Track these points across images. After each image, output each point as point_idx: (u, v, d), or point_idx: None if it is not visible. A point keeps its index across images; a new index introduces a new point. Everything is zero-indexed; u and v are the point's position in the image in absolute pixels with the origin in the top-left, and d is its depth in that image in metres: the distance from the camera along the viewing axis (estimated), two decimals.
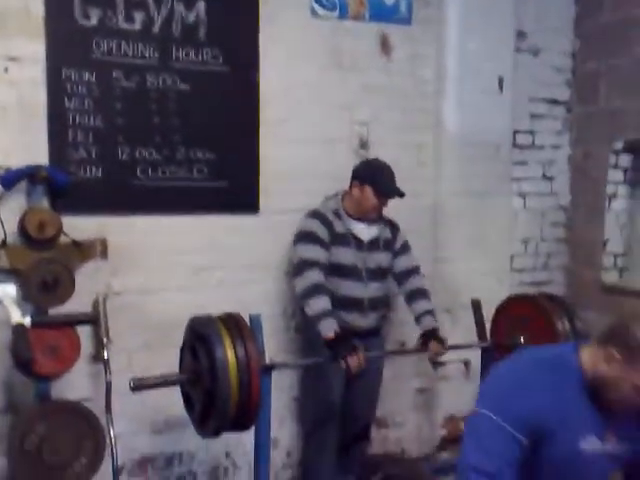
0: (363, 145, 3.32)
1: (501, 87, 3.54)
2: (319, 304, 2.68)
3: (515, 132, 3.68)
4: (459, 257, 3.54)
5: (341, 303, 2.81)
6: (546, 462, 1.78)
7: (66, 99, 2.65)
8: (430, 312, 2.94)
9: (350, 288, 2.88)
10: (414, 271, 3.02)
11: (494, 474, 1.72)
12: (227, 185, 2.95)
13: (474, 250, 3.55)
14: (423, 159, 3.48)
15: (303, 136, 3.14)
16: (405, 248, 3.03)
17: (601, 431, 1.79)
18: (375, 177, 2.84)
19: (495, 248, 3.62)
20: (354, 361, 2.59)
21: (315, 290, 2.71)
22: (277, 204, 3.09)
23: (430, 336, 2.86)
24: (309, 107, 3.15)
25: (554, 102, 3.82)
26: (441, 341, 2.87)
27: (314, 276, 2.73)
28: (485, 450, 1.74)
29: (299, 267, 2.77)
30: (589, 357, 1.76)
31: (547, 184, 3.86)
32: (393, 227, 3.03)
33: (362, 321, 2.91)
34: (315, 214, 2.88)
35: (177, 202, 2.88)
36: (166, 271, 2.90)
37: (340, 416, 3.04)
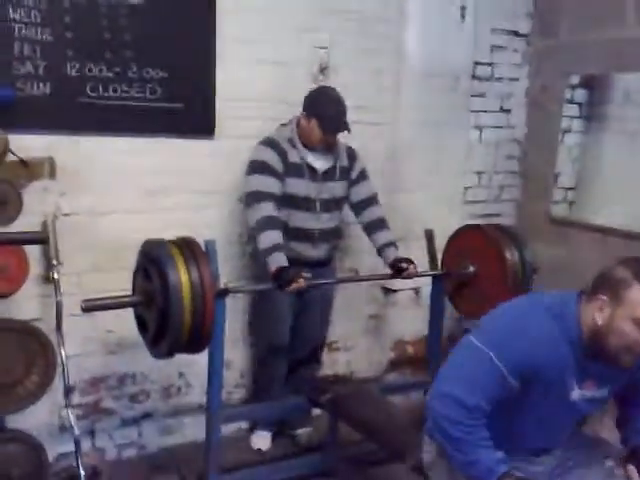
0: (322, 70, 3.26)
1: (463, 16, 3.50)
2: (270, 238, 2.67)
3: (475, 63, 3.67)
4: (415, 187, 3.57)
5: (292, 234, 2.82)
6: (530, 406, 1.80)
7: (11, 10, 2.51)
8: (393, 243, 2.97)
9: (302, 219, 2.88)
10: (372, 200, 3.02)
11: (471, 408, 1.72)
12: (181, 107, 2.87)
13: (429, 180, 3.59)
14: (383, 86, 3.45)
15: (261, 58, 3.06)
16: (362, 176, 3.02)
17: (582, 380, 1.81)
18: (321, 110, 2.79)
19: (449, 179, 3.67)
20: (297, 284, 2.60)
21: (267, 224, 2.69)
22: (233, 129, 3.03)
23: (398, 263, 2.90)
24: (268, 29, 3.06)
25: (515, 34, 3.80)
26: (411, 262, 2.91)
27: (267, 209, 2.71)
28: (469, 382, 1.73)
29: (252, 198, 2.74)
30: (585, 311, 1.76)
31: (504, 117, 3.88)
32: (351, 155, 3.00)
33: (313, 252, 2.93)
34: (269, 143, 2.83)
35: (129, 122, 2.79)
36: (117, 193, 2.85)
37: (291, 340, 3.12)
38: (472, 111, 3.72)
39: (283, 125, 2.93)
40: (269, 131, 2.92)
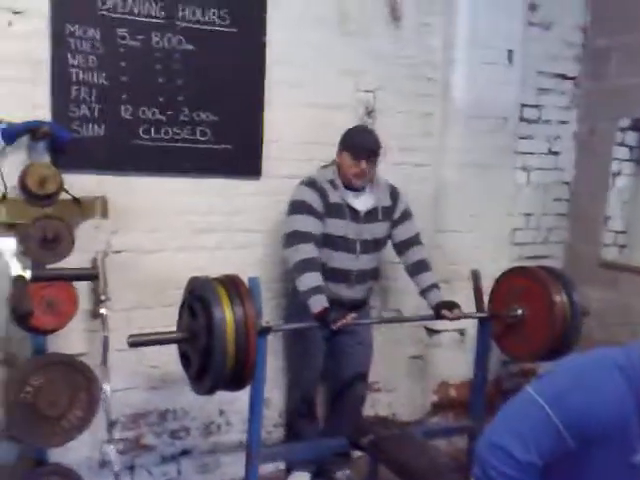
0: (369, 113, 3.30)
1: (510, 59, 3.51)
2: (310, 280, 2.67)
3: (522, 106, 3.67)
4: (460, 229, 3.56)
5: (329, 274, 2.82)
6: (589, 468, 1.68)
7: (69, 55, 2.63)
8: (436, 285, 2.95)
9: (340, 260, 2.88)
10: (414, 241, 3.01)
11: (523, 464, 1.63)
12: (230, 148, 2.94)
13: (476, 222, 3.57)
14: (429, 129, 3.48)
15: (308, 101, 3.13)
16: (405, 216, 3.01)
17: None
18: (349, 140, 2.83)
19: (497, 221, 3.64)
20: (344, 322, 2.62)
21: (307, 265, 2.70)
22: (279, 170, 3.09)
23: (442, 307, 2.88)
24: (315, 72, 3.14)
25: (562, 77, 3.80)
26: (456, 305, 2.89)
27: (307, 250, 2.72)
28: (522, 437, 1.63)
29: (292, 238, 2.75)
30: None
31: (552, 159, 3.86)
32: (393, 194, 3.00)
33: (348, 292, 2.93)
34: (310, 183, 2.85)
35: (179, 163, 2.87)
36: (166, 231, 2.92)
37: (333, 387, 3.17)
38: (519, 153, 3.70)
39: (324, 166, 2.96)
40: (315, 173, 2.96)
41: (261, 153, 3.03)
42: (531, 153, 3.76)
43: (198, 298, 2.35)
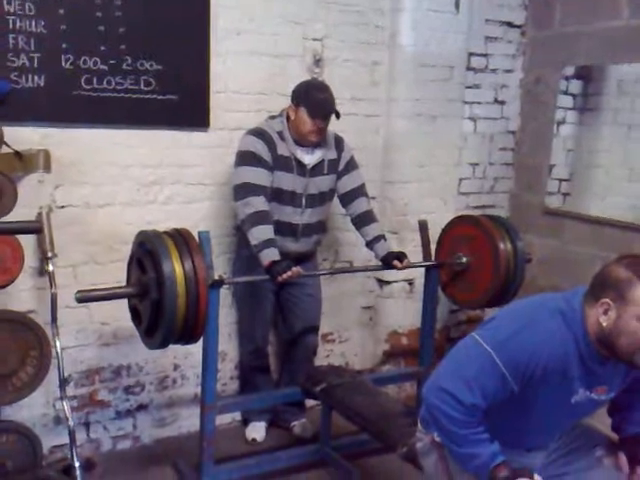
0: (317, 62, 3.28)
1: (457, 7, 3.52)
2: (262, 233, 2.69)
3: (470, 54, 3.69)
4: (408, 179, 3.59)
5: (275, 228, 2.81)
6: (530, 407, 1.78)
7: (5, 2, 2.53)
8: (382, 237, 3.00)
9: (286, 214, 2.89)
10: (360, 192, 3.03)
11: (468, 406, 1.71)
12: (176, 99, 2.89)
13: (424, 173, 3.61)
14: (377, 79, 3.48)
15: (255, 50, 3.09)
16: (350, 167, 3.02)
17: (592, 385, 1.79)
18: (308, 97, 2.79)
19: (444, 171, 3.68)
20: (289, 274, 2.65)
21: (258, 218, 2.71)
22: (227, 121, 3.06)
23: (391, 257, 2.94)
24: (262, 20, 3.08)
25: (509, 25, 3.82)
26: (404, 256, 2.95)
27: (258, 203, 2.72)
28: (467, 380, 1.71)
29: (242, 191, 2.75)
30: (589, 316, 1.73)
31: (498, 108, 3.90)
32: (338, 144, 3.00)
33: (295, 246, 2.96)
34: (258, 133, 2.82)
35: (124, 115, 2.81)
36: (112, 185, 2.87)
37: (284, 339, 3.25)
38: (466, 102, 3.74)
39: (272, 117, 2.94)
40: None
41: (208, 104, 2.99)
42: (478, 102, 3.80)
43: (147, 252, 2.35)
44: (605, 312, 1.71)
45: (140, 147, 2.91)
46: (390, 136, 3.56)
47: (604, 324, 1.71)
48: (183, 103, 2.92)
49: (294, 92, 2.86)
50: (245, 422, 3.33)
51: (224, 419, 3.25)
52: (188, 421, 3.20)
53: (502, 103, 3.90)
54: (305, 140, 2.85)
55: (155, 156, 2.95)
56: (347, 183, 3.01)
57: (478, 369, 1.73)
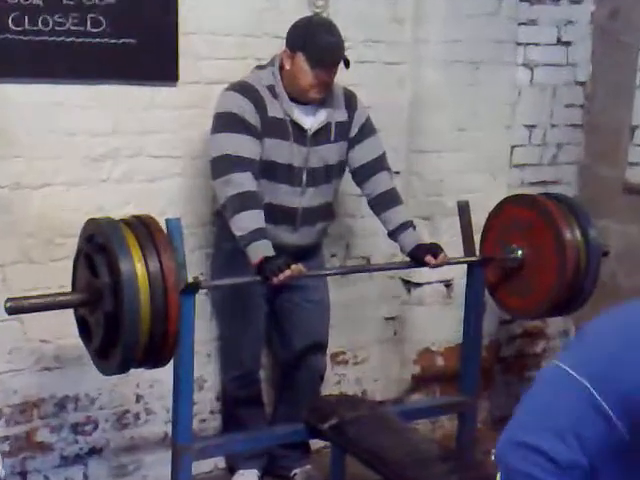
0: None
1: None
2: (249, 221, 2.69)
3: None
4: (444, 148, 3.58)
5: (267, 213, 2.80)
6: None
7: None
8: (410, 224, 3.00)
9: (281, 196, 2.90)
10: (379, 165, 3.03)
11: (563, 465, 1.57)
12: (134, 43, 2.88)
13: (463, 139, 3.60)
14: (400, 14, 3.46)
15: None
16: (366, 132, 3.02)
17: None
18: (308, 39, 2.77)
19: (491, 136, 3.67)
20: (287, 274, 2.63)
21: (244, 201, 2.71)
22: (203, 72, 3.06)
23: (422, 251, 2.93)
24: None
25: None
26: (439, 249, 2.94)
27: (242, 181, 2.72)
28: (559, 429, 1.59)
29: (222, 166, 2.75)
30: None
31: (562, 51, 3.88)
32: (349, 102, 2.99)
33: (292, 237, 2.96)
34: (242, 89, 2.82)
35: (65, 65, 2.81)
36: (51, 160, 2.87)
37: (281, 361, 3.26)
38: (520, 44, 3.72)
39: (260, 67, 2.92)
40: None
41: (177, 50, 2.98)
42: (535, 44, 3.78)
43: (99, 247, 2.34)
44: None
45: (88, 108, 2.90)
46: (419, 91, 3.54)
47: None
48: (143, 49, 2.91)
49: (290, 33, 2.85)
50: (231, 470, 3.33)
51: (203, 466, 3.25)
52: (155, 469, 3.20)
53: (567, 44, 3.89)
54: (304, 97, 2.84)
55: (107, 120, 2.94)
56: (362, 153, 3.01)
57: (571, 411, 1.58)
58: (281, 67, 2.85)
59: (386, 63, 3.47)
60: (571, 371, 1.62)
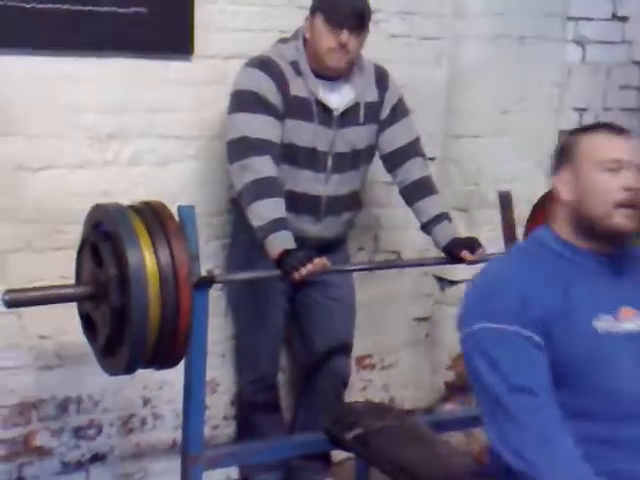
0: None
1: None
2: (268, 210, 2.69)
3: None
4: (484, 133, 3.59)
5: (287, 202, 2.81)
6: (560, 359, 1.92)
7: None
8: (445, 215, 2.99)
9: (304, 183, 2.90)
10: (413, 150, 3.03)
11: (533, 389, 1.86)
12: (144, 12, 2.89)
13: (507, 123, 3.60)
14: None
15: None
16: (398, 113, 3.01)
17: (614, 307, 1.96)
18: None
19: (537, 120, 3.67)
20: (310, 269, 2.63)
21: (262, 188, 2.71)
22: (221, 45, 3.07)
23: (458, 245, 2.92)
24: None
25: None
26: (478, 243, 2.94)
27: (261, 166, 2.72)
28: (510, 365, 1.88)
29: (239, 149, 2.75)
30: (553, 217, 2.04)
31: (618, 27, 3.86)
32: (380, 80, 2.98)
33: (315, 228, 2.97)
34: (263, 64, 2.81)
35: (70, 36, 2.81)
36: (54, 139, 2.89)
37: (302, 364, 3.26)
38: (570, 19, 3.70)
39: (283, 41, 2.91)
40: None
41: (192, 20, 2.99)
42: (588, 19, 3.77)
43: (105, 236, 2.35)
44: (563, 183, 1.98)
45: (94, 83, 2.91)
46: (457, 68, 3.55)
47: (565, 197, 1.97)
48: (155, 19, 2.92)
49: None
50: (245, 479, 3.34)
51: (215, 476, 3.26)
52: (162, 479, 3.22)
53: (624, 20, 3.86)
54: (325, 66, 2.82)
55: (115, 97, 2.95)
56: (394, 137, 3.00)
57: (500, 349, 1.89)
58: (304, 40, 2.85)
59: (422, 38, 3.46)
60: (475, 325, 1.93)
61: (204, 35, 3.03)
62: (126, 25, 2.88)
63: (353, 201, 3.08)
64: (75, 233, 2.55)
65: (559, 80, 3.71)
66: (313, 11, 2.81)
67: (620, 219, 1.91)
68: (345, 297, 3.17)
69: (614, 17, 3.84)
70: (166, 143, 3.07)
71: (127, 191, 2.90)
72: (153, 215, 2.39)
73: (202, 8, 3.00)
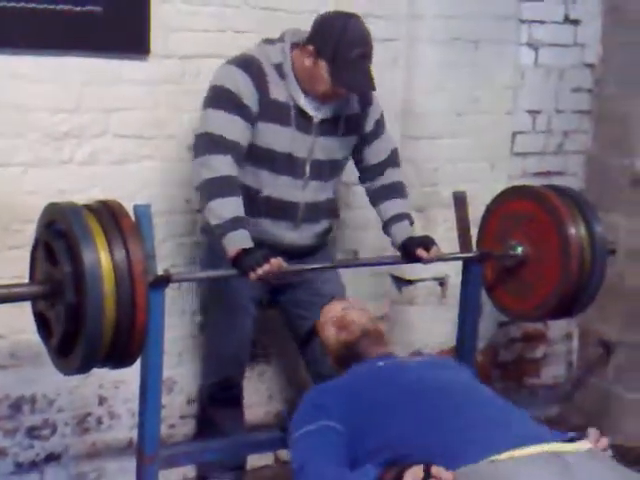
0: None
1: None
2: (225, 209, 2.67)
3: None
4: (438, 133, 3.60)
5: (264, 208, 2.81)
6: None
7: None
8: (406, 216, 2.99)
9: (282, 188, 2.88)
10: (391, 161, 3.04)
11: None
12: (100, 11, 2.87)
13: (461, 124, 3.62)
14: None
15: None
16: (381, 126, 3.02)
17: None
18: (338, 55, 2.70)
19: (490, 122, 3.69)
20: (266, 268, 2.60)
21: (220, 187, 2.68)
22: (178, 44, 3.06)
23: (414, 245, 2.91)
24: None
25: None
26: (433, 243, 2.93)
27: (221, 164, 2.70)
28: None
29: (203, 144, 2.74)
30: None
31: (570, 31, 3.89)
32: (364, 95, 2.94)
33: (292, 236, 2.94)
34: (244, 63, 2.77)
35: (23, 34, 2.79)
36: (8, 138, 2.86)
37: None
38: (523, 22, 3.73)
39: (269, 42, 2.87)
40: (240, 50, 2.89)
41: (148, 19, 2.97)
42: (540, 22, 3.80)
43: (59, 234, 2.32)
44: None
45: (49, 82, 2.89)
46: (413, 70, 3.55)
47: None
48: (110, 17, 2.90)
49: (318, 32, 2.76)
50: (203, 478, 3.32)
51: (172, 476, 3.24)
52: (118, 478, 3.19)
53: (576, 23, 3.90)
54: (313, 93, 2.82)
55: (70, 96, 2.93)
56: (379, 150, 3.02)
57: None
58: (295, 44, 2.81)
59: (378, 39, 3.45)
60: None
61: (160, 35, 3.01)
62: (82, 24, 2.86)
63: (330, 209, 3.07)
64: (30, 232, 2.51)
65: (512, 82, 3.74)
66: (320, 55, 2.72)
67: None
68: (333, 292, 3.05)
69: (566, 20, 3.88)
70: (122, 142, 3.05)
71: (83, 190, 2.89)
72: (108, 214, 2.36)
73: (158, 7, 2.99)
